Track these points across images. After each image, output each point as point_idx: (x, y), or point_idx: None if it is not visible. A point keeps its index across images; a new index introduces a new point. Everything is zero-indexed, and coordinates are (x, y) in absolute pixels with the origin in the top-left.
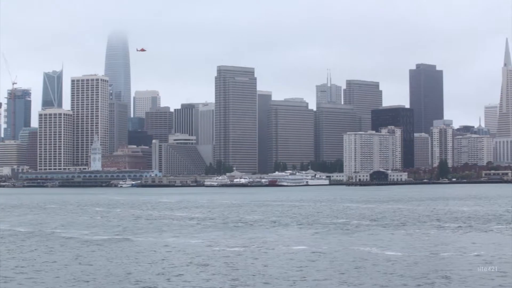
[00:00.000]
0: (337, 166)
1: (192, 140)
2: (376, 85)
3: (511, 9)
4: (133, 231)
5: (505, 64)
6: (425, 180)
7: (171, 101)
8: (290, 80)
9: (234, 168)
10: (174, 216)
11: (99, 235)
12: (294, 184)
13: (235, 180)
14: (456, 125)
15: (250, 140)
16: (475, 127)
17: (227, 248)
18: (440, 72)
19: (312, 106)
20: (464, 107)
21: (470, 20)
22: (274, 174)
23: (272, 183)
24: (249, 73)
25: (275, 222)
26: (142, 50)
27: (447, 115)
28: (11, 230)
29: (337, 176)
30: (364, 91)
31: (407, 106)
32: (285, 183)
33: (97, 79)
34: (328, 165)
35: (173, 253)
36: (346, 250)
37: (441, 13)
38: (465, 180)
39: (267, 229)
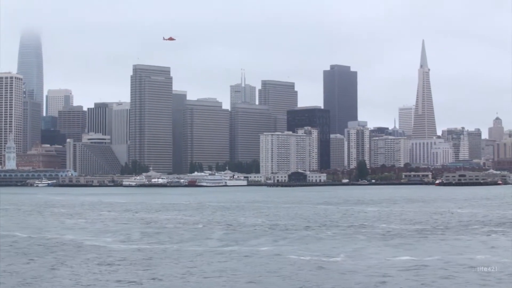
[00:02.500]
0: (253, 167)
1: (106, 139)
2: (292, 85)
3: (427, 11)
4: (182, 239)
5: (421, 66)
6: (344, 181)
7: (84, 100)
8: (204, 80)
9: (151, 168)
10: (178, 219)
11: (159, 243)
12: (213, 185)
13: (152, 180)
14: (370, 126)
15: (165, 140)
16: (390, 128)
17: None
18: (355, 73)
19: (226, 106)
20: (378, 108)
21: (385, 21)
22: (193, 174)
23: (192, 184)
24: (165, 73)
25: (308, 227)
26: (171, 39)
27: (360, 116)
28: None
29: (254, 177)
30: (279, 92)
31: (322, 107)
32: (204, 184)
33: (11, 77)
34: (244, 165)
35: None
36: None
37: (356, 14)
38: (385, 182)
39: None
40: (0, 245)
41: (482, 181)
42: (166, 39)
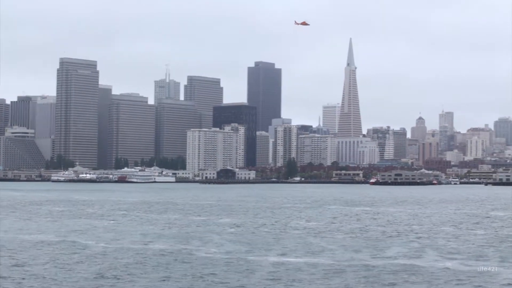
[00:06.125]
0: (179, 163)
1: (30, 133)
2: (217, 81)
3: (354, 9)
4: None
5: (348, 64)
6: (273, 179)
7: (7, 93)
8: (129, 75)
9: (77, 163)
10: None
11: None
12: (143, 181)
13: (80, 175)
14: (293, 124)
15: (91, 135)
16: (314, 126)
17: None
18: (279, 70)
19: (152, 101)
20: (301, 106)
21: (312, 18)
22: (123, 170)
23: (122, 179)
24: (91, 66)
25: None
26: (304, 23)
27: (284, 114)
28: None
29: (182, 173)
30: (205, 88)
31: (246, 103)
32: (134, 180)
33: None
34: (169, 161)
35: None
36: None
37: (281, 10)
38: (315, 180)
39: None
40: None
41: (418, 181)
42: (298, 24)
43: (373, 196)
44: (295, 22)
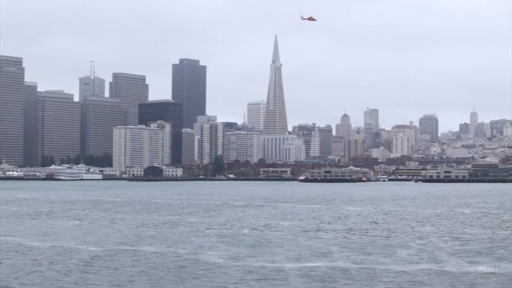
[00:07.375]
0: (105, 160)
1: None
2: (143, 78)
3: (279, 4)
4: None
5: (273, 61)
6: (201, 176)
7: None
8: (54, 72)
9: (3, 161)
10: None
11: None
12: (71, 178)
13: (7, 173)
14: (218, 121)
15: (16, 132)
16: (239, 123)
17: None
18: (204, 67)
19: (76, 98)
20: (226, 103)
21: (236, 15)
22: (51, 167)
23: (50, 177)
24: (17, 63)
25: None
26: (311, 19)
27: (209, 111)
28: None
29: (109, 170)
30: (130, 85)
31: (171, 100)
32: (62, 177)
33: None
34: (95, 158)
35: None
36: None
37: (206, 6)
38: (243, 177)
39: None
40: None
41: (348, 178)
42: (305, 19)
43: (318, 193)
44: (301, 17)
